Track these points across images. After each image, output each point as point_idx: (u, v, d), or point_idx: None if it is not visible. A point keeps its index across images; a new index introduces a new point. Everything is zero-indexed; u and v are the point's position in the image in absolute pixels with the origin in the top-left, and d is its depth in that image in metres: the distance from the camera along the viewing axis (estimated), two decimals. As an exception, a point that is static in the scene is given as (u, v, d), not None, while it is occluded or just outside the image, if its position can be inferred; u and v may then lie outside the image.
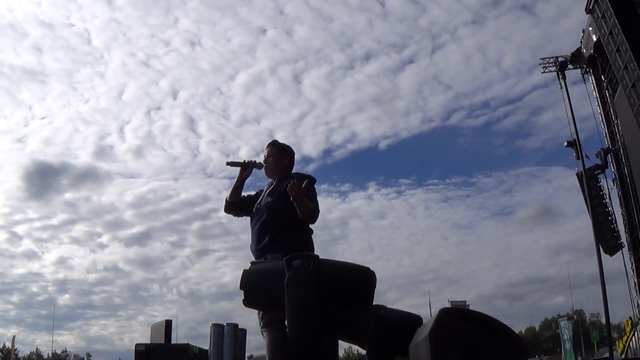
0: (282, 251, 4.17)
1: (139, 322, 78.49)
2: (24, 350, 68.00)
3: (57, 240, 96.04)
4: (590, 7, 21.89)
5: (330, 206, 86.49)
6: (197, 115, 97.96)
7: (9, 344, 58.23)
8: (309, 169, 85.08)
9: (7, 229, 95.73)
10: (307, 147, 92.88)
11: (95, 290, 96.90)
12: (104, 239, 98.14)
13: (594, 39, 22.84)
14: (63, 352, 68.93)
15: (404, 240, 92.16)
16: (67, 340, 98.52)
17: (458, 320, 3.12)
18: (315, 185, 4.57)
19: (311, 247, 4.47)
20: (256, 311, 4.26)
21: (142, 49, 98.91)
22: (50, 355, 65.99)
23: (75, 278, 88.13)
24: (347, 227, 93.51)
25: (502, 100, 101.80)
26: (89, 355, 70.82)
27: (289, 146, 4.87)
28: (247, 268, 3.76)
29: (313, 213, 4.42)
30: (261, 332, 4.30)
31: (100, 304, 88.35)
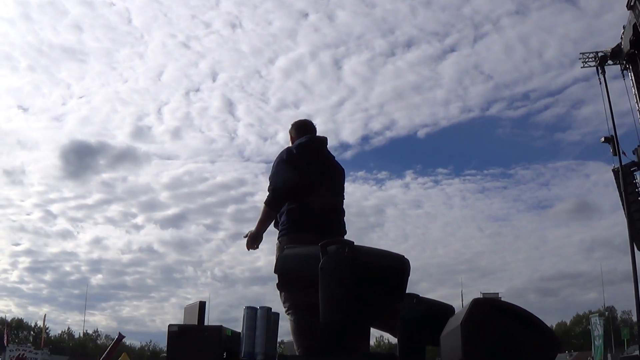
0: (280, 230, 4.51)
1: (171, 304, 79.31)
2: (55, 329, 69.16)
3: (91, 220, 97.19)
4: (632, 3, 21.48)
5: (366, 193, 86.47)
6: (236, 98, 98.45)
7: (40, 323, 59.49)
8: (347, 155, 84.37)
9: (42, 207, 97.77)
10: (345, 133, 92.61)
11: (128, 271, 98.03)
12: (139, 219, 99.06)
13: (634, 36, 22.44)
14: (94, 331, 69.87)
15: (439, 230, 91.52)
16: (98, 320, 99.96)
17: (490, 311, 3.11)
18: (293, 156, 4.58)
19: (303, 220, 4.45)
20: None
21: (182, 30, 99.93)
22: (81, 335, 67.19)
23: (109, 258, 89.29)
24: (383, 215, 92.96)
25: (543, 92, 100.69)
26: (121, 335, 71.65)
27: (294, 122, 4.98)
28: (283, 252, 3.81)
29: (267, 209, 4.53)
30: (287, 315, 4.35)
31: (132, 285, 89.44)
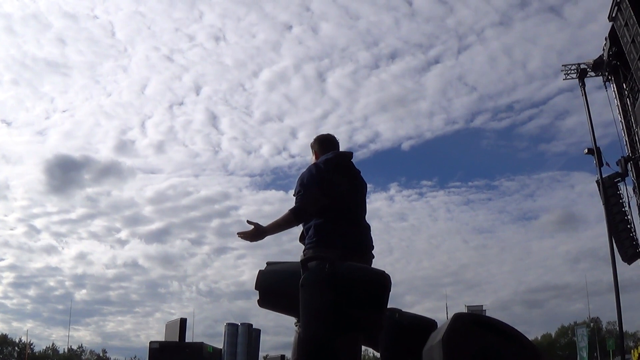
0: (306, 244, 4.38)
1: (155, 319, 78.36)
2: (39, 345, 68.05)
3: (75, 235, 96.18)
4: (613, 14, 21.72)
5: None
6: (220, 111, 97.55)
7: (25, 338, 58.85)
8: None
9: (25, 222, 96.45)
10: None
11: (112, 286, 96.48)
12: (123, 234, 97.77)
13: (615, 47, 22.68)
14: (79, 347, 69.13)
15: (424, 242, 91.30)
16: (83, 335, 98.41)
17: (471, 326, 3.12)
18: (321, 171, 4.50)
19: (330, 236, 4.35)
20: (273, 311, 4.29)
21: (165, 43, 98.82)
22: (65, 350, 66.50)
23: (93, 273, 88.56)
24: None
25: (527, 103, 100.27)
26: (104, 351, 70.96)
27: (316, 137, 4.96)
28: (263, 268, 3.80)
29: (292, 217, 4.42)
30: (295, 327, 4.30)
31: (117, 300, 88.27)
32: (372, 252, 4.57)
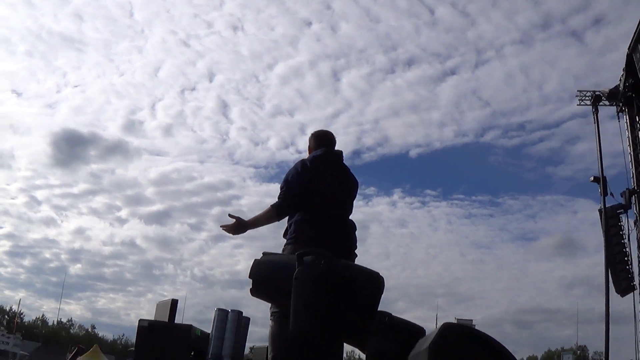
0: (287, 240, 4.47)
1: (147, 299, 78.96)
2: (29, 315, 68.82)
3: (75, 210, 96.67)
4: (632, 47, 21.69)
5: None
6: (231, 100, 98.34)
7: (15, 307, 59.00)
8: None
9: (27, 192, 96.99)
10: (337, 145, 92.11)
11: (107, 263, 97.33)
12: (123, 213, 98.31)
13: (632, 79, 22.64)
14: (68, 321, 69.47)
15: (421, 251, 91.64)
16: (73, 309, 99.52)
17: (459, 337, 3.12)
18: (306, 168, 4.57)
19: (309, 233, 4.40)
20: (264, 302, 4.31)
21: (183, 28, 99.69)
22: (55, 322, 66.70)
23: (90, 249, 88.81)
24: (367, 231, 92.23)
25: (539, 124, 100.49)
26: (93, 327, 71.20)
27: (313, 132, 5.00)
28: (259, 258, 3.81)
29: (273, 212, 4.49)
30: (270, 319, 4.34)
31: (111, 277, 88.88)
32: (355, 251, 4.58)
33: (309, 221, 4.46)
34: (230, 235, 4.55)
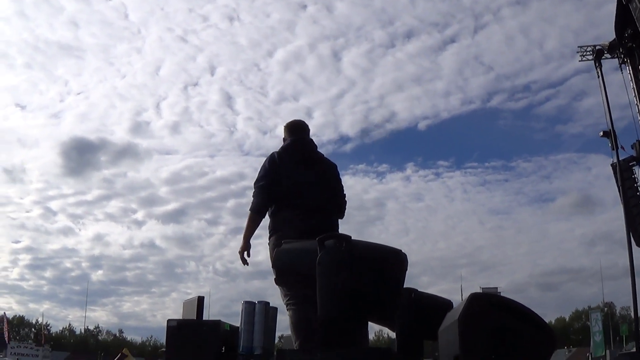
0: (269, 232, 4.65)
1: (172, 299, 79.11)
2: (56, 326, 69.43)
3: (91, 217, 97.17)
4: (629, -4, 21.46)
5: (366, 187, 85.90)
6: (235, 91, 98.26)
7: (41, 319, 59.53)
8: (347, 148, 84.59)
9: (41, 204, 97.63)
10: (345, 125, 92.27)
11: (129, 266, 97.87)
12: (139, 215, 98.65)
13: (631, 30, 22.39)
14: (95, 327, 70.08)
15: (440, 223, 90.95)
16: (99, 316, 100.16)
17: (488, 306, 3.11)
18: (274, 161, 4.68)
19: (281, 223, 4.57)
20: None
21: (179, 24, 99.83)
22: (82, 331, 67.30)
23: (109, 254, 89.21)
24: (384, 209, 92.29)
25: (544, 83, 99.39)
26: (121, 331, 71.72)
27: (286, 124, 5.04)
28: (280, 247, 3.82)
29: (254, 215, 4.67)
30: (286, 309, 4.38)
31: (133, 281, 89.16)
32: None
33: (281, 211, 4.60)
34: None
